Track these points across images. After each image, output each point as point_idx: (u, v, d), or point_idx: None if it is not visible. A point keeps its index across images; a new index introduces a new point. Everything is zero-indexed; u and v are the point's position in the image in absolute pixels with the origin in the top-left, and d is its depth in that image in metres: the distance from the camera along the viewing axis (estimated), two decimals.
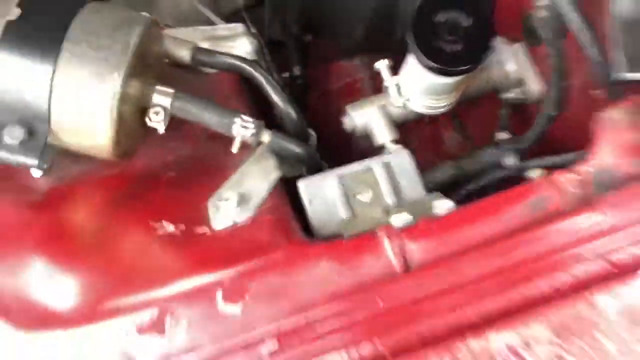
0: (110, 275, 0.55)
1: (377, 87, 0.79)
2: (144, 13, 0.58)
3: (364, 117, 0.76)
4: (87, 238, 0.57)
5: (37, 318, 0.53)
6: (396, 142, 0.74)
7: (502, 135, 0.76)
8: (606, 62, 0.53)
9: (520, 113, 0.80)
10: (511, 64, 0.77)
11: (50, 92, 0.53)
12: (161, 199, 0.60)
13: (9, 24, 0.52)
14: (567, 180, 0.47)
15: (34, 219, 0.58)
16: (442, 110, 0.75)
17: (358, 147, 0.77)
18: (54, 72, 0.53)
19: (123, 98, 0.54)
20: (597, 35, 0.53)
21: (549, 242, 0.45)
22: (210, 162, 0.64)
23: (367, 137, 0.77)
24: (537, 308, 0.42)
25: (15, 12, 0.53)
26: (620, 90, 0.52)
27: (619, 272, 0.42)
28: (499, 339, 0.41)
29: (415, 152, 0.66)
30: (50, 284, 0.56)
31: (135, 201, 0.60)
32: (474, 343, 0.41)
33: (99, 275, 0.56)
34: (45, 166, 0.55)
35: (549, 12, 0.60)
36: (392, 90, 0.74)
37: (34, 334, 0.51)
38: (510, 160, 0.72)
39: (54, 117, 0.54)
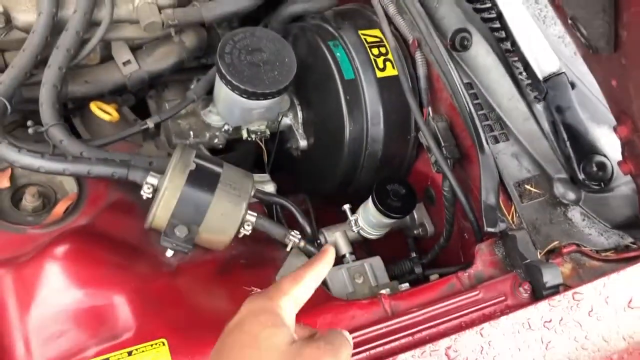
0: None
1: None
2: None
3: (332, 237, 1.27)
4: (197, 295, 0.98)
5: None
6: (351, 253, 1.25)
7: (413, 255, 1.32)
8: (478, 221, 1.10)
9: (418, 243, 1.37)
10: (417, 214, 1.34)
11: (207, 210, 0.97)
12: (242, 274, 1.04)
13: (191, 172, 0.97)
14: (463, 277, 1.02)
15: (172, 280, 0.98)
16: (377, 236, 1.29)
17: None
18: (212, 199, 0.98)
19: (243, 218, 1.00)
20: (472, 208, 1.11)
21: (455, 304, 0.98)
22: (262, 255, 1.10)
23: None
24: (448, 333, 0.93)
25: (193, 165, 0.98)
26: (485, 234, 1.09)
27: (488, 318, 0.96)
28: (439, 345, 0.91)
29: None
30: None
31: (227, 274, 1.04)
32: (427, 347, 0.91)
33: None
34: (189, 252, 0.98)
35: (448, 191, 1.16)
36: (352, 223, 1.27)
37: None
38: (419, 269, 1.27)
39: (204, 223, 0.98)
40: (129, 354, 0.87)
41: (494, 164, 1.08)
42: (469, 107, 1.10)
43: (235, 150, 1.39)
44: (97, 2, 1.13)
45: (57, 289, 0.92)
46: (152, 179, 0.98)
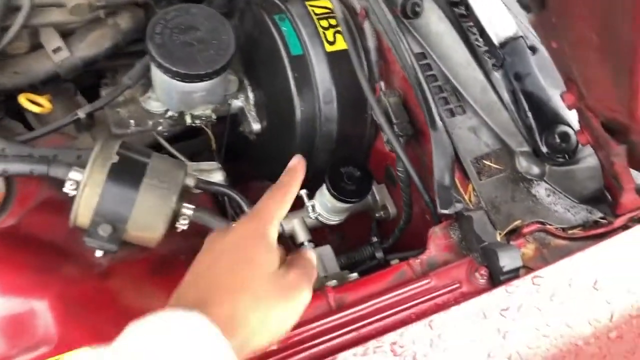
0: None
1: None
2: (183, 160, 0.98)
3: (290, 225, 1.20)
4: (140, 296, 0.92)
5: None
6: (310, 241, 1.18)
7: (374, 239, 1.25)
8: (433, 202, 1.02)
9: (381, 226, 1.29)
10: (379, 195, 1.26)
11: (132, 206, 0.91)
12: (181, 271, 0.97)
13: (113, 165, 0.90)
14: (414, 263, 0.94)
15: (101, 283, 0.92)
16: (337, 222, 1.22)
17: None
18: (137, 195, 0.91)
19: (174, 211, 0.93)
20: (428, 188, 1.03)
21: (405, 294, 0.91)
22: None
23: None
24: (395, 327, 0.86)
25: (115, 158, 0.91)
26: (441, 215, 1.01)
27: (440, 308, 0.89)
28: (383, 341, 0.84)
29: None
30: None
31: (163, 272, 0.97)
32: (370, 344, 0.84)
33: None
34: (116, 251, 0.92)
35: (402, 171, 1.09)
36: (309, 209, 1.19)
37: None
38: (380, 254, 1.20)
39: (131, 220, 0.91)
40: None
41: (447, 139, 1.00)
42: (419, 78, 1.01)
43: (197, 137, 1.33)
44: None
45: None
46: (74, 174, 0.91)
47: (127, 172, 0.91)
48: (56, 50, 1.12)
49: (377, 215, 1.25)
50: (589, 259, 0.94)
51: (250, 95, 1.27)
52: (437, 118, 1.00)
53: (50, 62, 1.13)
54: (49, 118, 1.19)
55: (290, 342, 0.85)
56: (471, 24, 1.07)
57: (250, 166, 1.42)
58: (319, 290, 0.91)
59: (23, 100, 1.09)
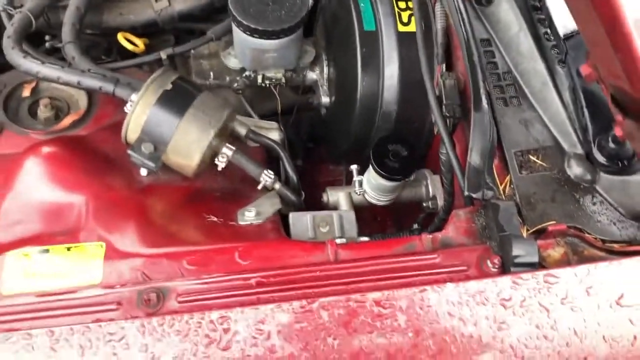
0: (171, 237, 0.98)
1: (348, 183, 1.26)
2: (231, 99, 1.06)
3: (335, 197, 1.22)
4: (165, 216, 1.00)
5: None
6: None
7: (415, 226, 1.23)
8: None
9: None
10: (431, 186, 1.24)
11: (174, 131, 0.99)
12: (211, 204, 1.04)
13: (165, 92, 1.00)
14: (426, 238, 0.92)
15: (136, 195, 1.02)
16: (383, 203, 1.22)
17: None
18: (180, 121, 0.99)
19: (210, 144, 1.00)
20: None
21: (405, 264, 0.89)
22: (240, 191, 1.09)
23: None
24: (393, 289, 0.85)
25: (169, 86, 1.00)
26: (470, 199, 0.98)
27: (437, 283, 0.86)
28: (367, 297, 0.83)
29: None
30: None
31: (195, 202, 1.04)
32: (353, 297, 0.83)
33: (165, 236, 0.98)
34: (155, 170, 1.00)
35: (445, 154, 1.06)
36: (356, 184, 1.21)
37: None
38: None
39: (171, 143, 0.99)
40: (68, 249, 0.91)
41: (489, 124, 0.97)
42: (474, 60, 0.99)
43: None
44: None
45: (30, 183, 0.99)
46: (135, 97, 1.01)
47: (176, 100, 0.99)
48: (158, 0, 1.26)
49: (424, 205, 1.23)
50: (618, 271, 0.86)
51: (325, 69, 1.31)
52: (484, 101, 0.97)
53: (151, 10, 1.26)
54: None
55: (280, 280, 0.87)
56: (543, 16, 1.03)
57: (323, 147, 1.47)
58: (320, 242, 0.93)
59: (121, 37, 1.24)
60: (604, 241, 0.92)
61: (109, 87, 1.03)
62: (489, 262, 0.89)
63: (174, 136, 0.98)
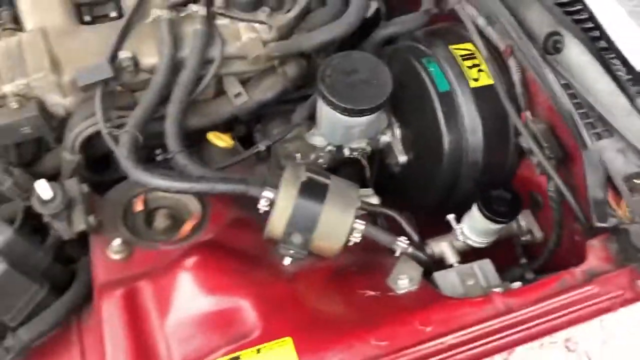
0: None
1: None
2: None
3: (439, 247, 1.29)
4: (324, 300, 1.04)
5: None
6: (459, 262, 1.27)
7: (523, 261, 1.32)
8: (588, 217, 1.09)
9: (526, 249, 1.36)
10: (524, 221, 1.34)
11: (319, 217, 1.04)
12: (356, 279, 1.09)
13: (303, 183, 1.05)
14: (575, 272, 1.01)
15: (289, 286, 1.05)
16: (485, 245, 1.30)
17: None
18: (322, 208, 1.04)
19: (352, 224, 1.06)
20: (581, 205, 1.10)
21: (571, 299, 0.97)
22: (372, 262, 1.15)
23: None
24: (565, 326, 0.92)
25: (304, 177, 1.06)
26: (595, 231, 1.08)
27: (607, 310, 0.94)
28: (557, 337, 0.90)
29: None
30: None
31: (340, 280, 1.09)
32: (545, 340, 0.91)
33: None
34: (303, 257, 1.05)
35: (554, 191, 1.16)
36: (457, 232, 1.29)
37: None
38: (530, 275, 1.26)
39: (318, 230, 1.04)
40: (258, 351, 0.93)
41: (598, 158, 1.08)
42: (568, 105, 1.10)
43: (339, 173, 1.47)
44: (209, 42, 1.26)
45: (189, 296, 1.01)
46: (268, 193, 1.06)
47: (314, 189, 1.05)
48: (237, 95, 1.32)
49: (522, 239, 1.32)
50: None
51: (397, 131, 1.40)
52: (587, 139, 1.08)
53: (230, 106, 1.32)
54: (209, 156, 1.37)
55: (461, 341, 0.93)
56: (613, 55, 1.16)
57: (393, 197, 1.54)
58: (486, 295, 1.00)
59: (211, 137, 1.28)
60: None
61: (242, 188, 1.07)
62: (639, 282, 0.98)
63: (319, 223, 1.04)
